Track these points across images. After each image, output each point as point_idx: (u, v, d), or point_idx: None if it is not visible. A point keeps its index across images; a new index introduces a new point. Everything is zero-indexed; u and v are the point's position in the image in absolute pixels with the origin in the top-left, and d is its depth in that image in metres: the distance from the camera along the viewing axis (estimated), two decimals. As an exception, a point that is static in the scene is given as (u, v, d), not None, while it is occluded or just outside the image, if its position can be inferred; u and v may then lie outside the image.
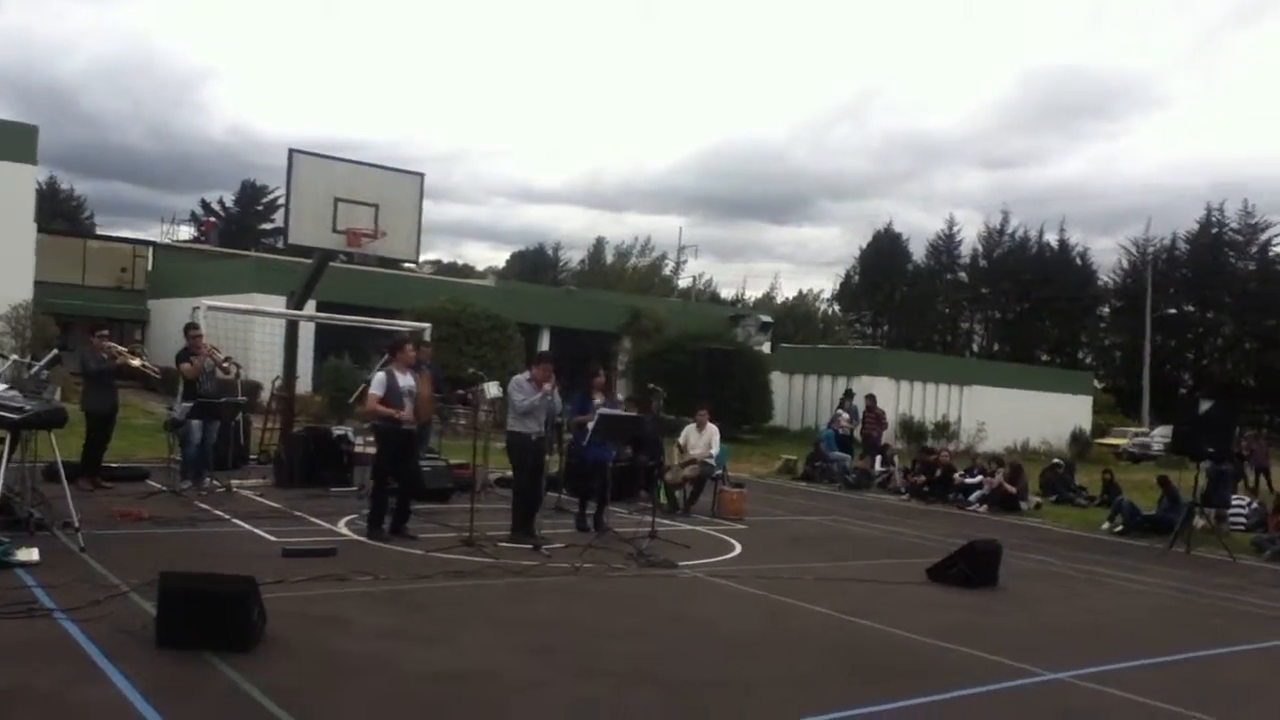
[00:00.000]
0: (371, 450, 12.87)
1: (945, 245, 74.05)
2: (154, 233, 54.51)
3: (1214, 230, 67.02)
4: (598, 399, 11.93)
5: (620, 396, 18.36)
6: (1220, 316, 66.57)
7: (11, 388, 9.11)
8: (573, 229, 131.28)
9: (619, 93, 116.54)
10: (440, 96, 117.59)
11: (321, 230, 13.68)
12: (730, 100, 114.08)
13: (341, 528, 10.50)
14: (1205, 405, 15.34)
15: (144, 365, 12.15)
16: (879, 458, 20.93)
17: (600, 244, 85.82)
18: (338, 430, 14.42)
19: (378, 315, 18.83)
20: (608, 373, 13.39)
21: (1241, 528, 15.48)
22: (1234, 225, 66.98)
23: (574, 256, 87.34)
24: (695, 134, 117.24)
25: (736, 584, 9.13)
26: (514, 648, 6.56)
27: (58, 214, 61.29)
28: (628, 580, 8.99)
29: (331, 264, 15.03)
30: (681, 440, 14.59)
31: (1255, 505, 16.25)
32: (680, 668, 6.38)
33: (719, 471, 14.30)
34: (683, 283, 72.28)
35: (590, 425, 11.00)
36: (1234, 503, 15.95)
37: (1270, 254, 66.32)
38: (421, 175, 14.84)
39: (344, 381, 22.89)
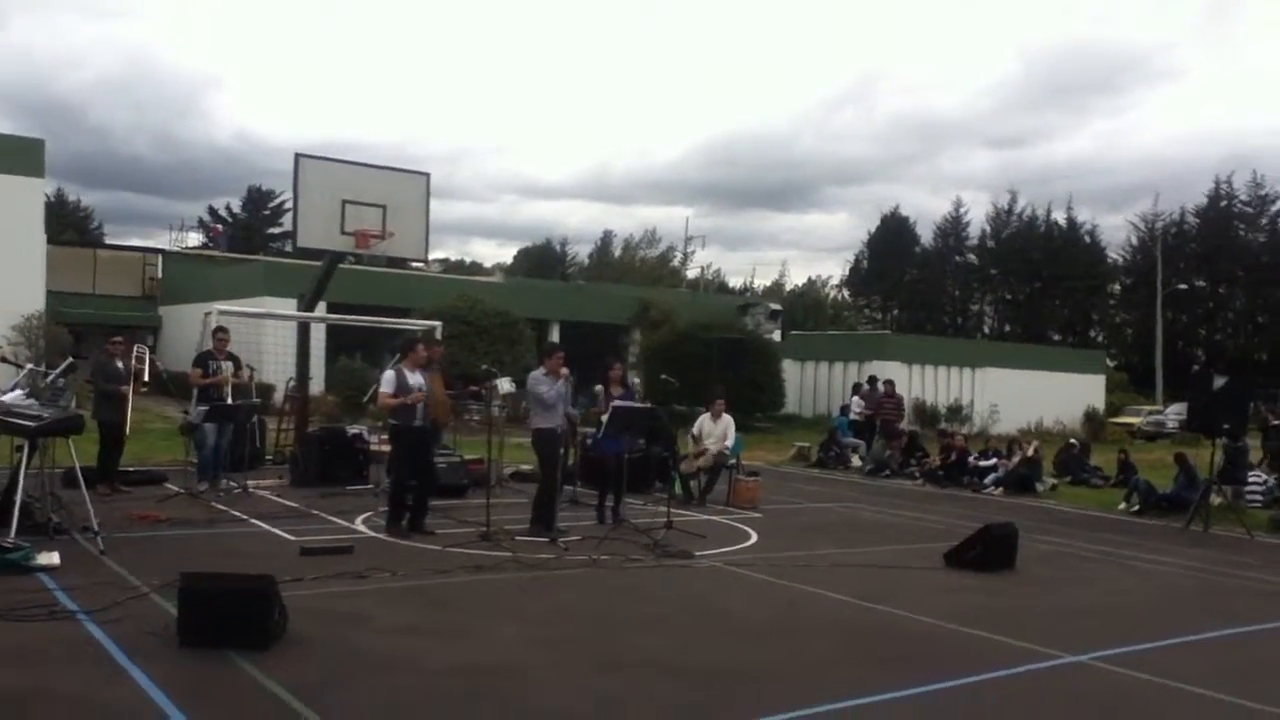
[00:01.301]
0: (386, 448, 12.98)
1: (953, 227, 73.90)
2: (163, 241, 54.82)
3: (1223, 203, 66.48)
4: (616, 391, 11.98)
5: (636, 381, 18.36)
6: (1232, 290, 66.22)
7: (29, 396, 9.17)
8: (580, 223, 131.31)
9: (624, 85, 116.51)
10: (445, 95, 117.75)
11: (330, 233, 13.71)
12: (735, 89, 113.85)
13: (359, 525, 10.54)
14: (1220, 381, 15.28)
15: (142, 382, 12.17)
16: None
17: (608, 237, 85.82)
18: (352, 429, 14.48)
19: (388, 315, 18.89)
20: (624, 366, 13.40)
21: (1259, 504, 15.41)
22: (1243, 197, 66.42)
23: (582, 250, 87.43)
24: (701, 124, 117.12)
25: (753, 572, 9.15)
26: (533, 641, 6.58)
27: (67, 226, 61.43)
28: (645, 571, 9.01)
29: (340, 265, 15.07)
30: (696, 430, 14.59)
31: (1274, 481, 16.16)
32: (699, 657, 6.40)
33: (733, 460, 14.30)
34: (691, 273, 72.23)
35: (604, 418, 11.06)
36: (1250, 479, 15.87)
37: (1280, 226, 65.89)
38: (428, 175, 14.85)
39: (356, 381, 22.97)
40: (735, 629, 7.21)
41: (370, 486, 12.80)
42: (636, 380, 15.03)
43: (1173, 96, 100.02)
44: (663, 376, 14.77)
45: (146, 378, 12.09)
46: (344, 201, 13.70)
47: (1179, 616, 8.42)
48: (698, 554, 9.77)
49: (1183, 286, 58.19)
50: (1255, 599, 9.33)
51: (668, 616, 7.49)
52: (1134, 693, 6.15)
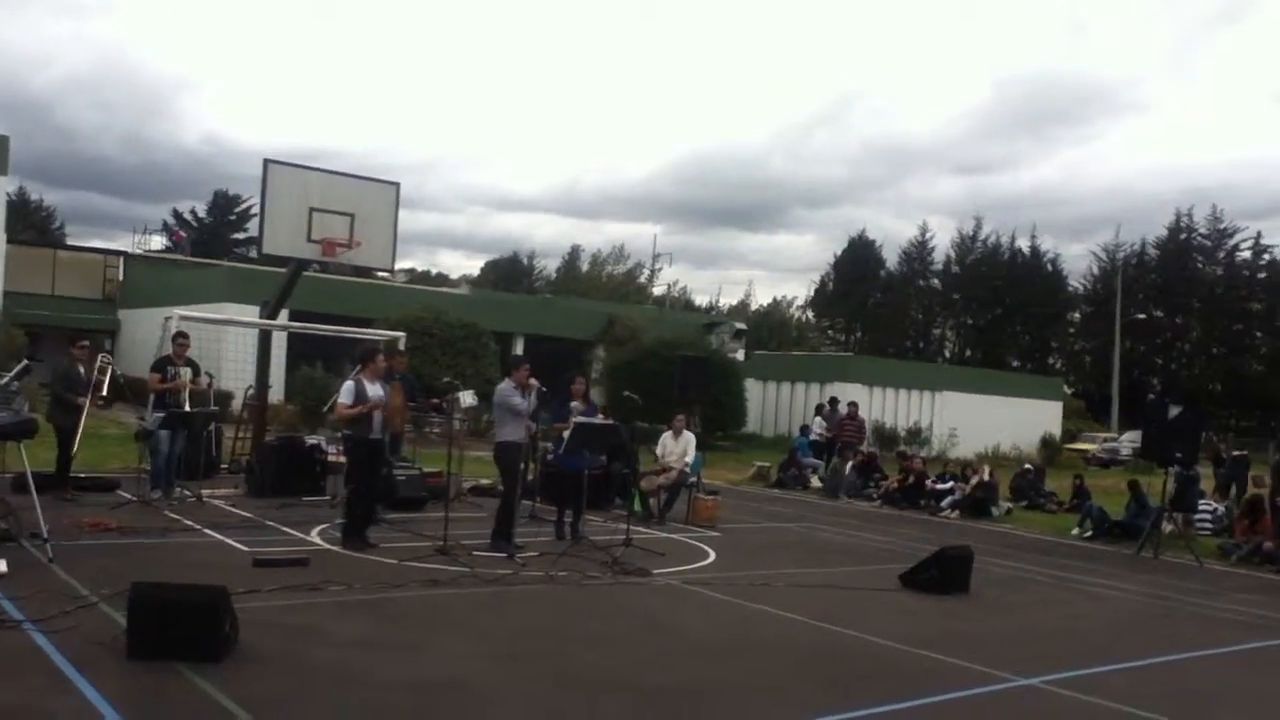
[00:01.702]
0: (344, 459, 12.89)
1: (918, 252, 74.72)
2: (125, 243, 54.23)
3: (1183, 236, 67.92)
4: (578, 405, 11.98)
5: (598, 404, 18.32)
6: (1188, 321, 67.47)
7: (-20, 399, 9.03)
8: (549, 237, 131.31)
9: (598, 101, 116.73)
10: (418, 104, 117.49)
11: (296, 240, 13.63)
12: (708, 109, 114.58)
13: (314, 537, 10.44)
14: (1174, 411, 15.53)
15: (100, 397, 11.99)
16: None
17: (575, 252, 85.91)
18: (311, 439, 14.36)
19: (351, 324, 18.77)
20: (586, 381, 13.43)
21: (1208, 532, 15.67)
22: (1203, 230, 68.02)
23: (549, 265, 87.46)
24: (673, 142, 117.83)
25: (710, 591, 9.16)
26: (488, 656, 6.56)
27: (28, 225, 60.66)
28: (602, 588, 9.00)
29: (305, 273, 14.98)
30: (659, 449, 14.61)
31: (1223, 510, 16.45)
32: (653, 675, 6.41)
33: (693, 479, 14.33)
34: (657, 290, 72.40)
35: (566, 434, 11.07)
36: (1201, 507, 16.13)
37: (1237, 259, 67.40)
38: (397, 184, 14.81)
39: (316, 390, 22.79)
40: (691, 647, 7.21)
41: (327, 498, 12.70)
42: (598, 403, 15.01)
43: (1138, 130, 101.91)
44: (625, 393, 14.77)
45: (105, 390, 11.91)
46: (311, 209, 13.63)
47: (1129, 641, 8.53)
48: (655, 572, 9.77)
49: (1141, 316, 59.20)
50: (1203, 625, 9.48)
51: (624, 634, 7.50)
52: (1082, 716, 6.23)
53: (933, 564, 9.97)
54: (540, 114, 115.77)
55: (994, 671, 6.92)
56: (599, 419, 12.13)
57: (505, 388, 10.73)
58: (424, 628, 7.19)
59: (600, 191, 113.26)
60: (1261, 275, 66.77)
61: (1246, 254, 67.51)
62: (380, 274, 31.61)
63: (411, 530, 10.80)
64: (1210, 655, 8.20)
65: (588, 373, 32.51)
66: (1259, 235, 67.31)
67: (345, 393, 10.13)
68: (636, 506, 13.37)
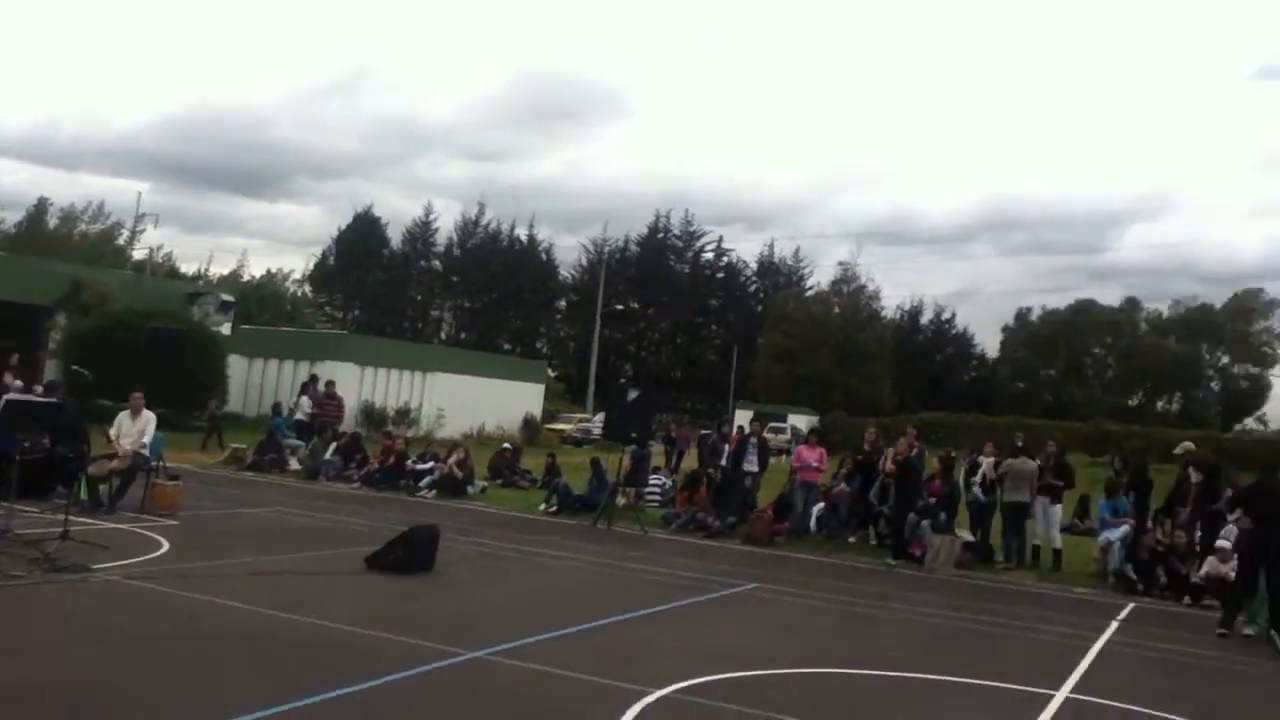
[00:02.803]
0: None
1: (422, 233, 75.71)
2: None
3: (660, 235, 75.92)
4: (11, 380, 10.56)
5: (47, 379, 16.37)
6: (658, 314, 75.22)
7: None
8: (12, 185, 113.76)
9: (83, 36, 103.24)
10: None
11: None
12: (213, 60, 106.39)
13: None
14: (633, 394, 17.17)
15: None
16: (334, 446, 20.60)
17: (43, 204, 75.74)
18: None
19: None
20: (35, 353, 11.86)
21: (657, 503, 17.47)
22: (676, 232, 76.52)
23: (10, 217, 76.20)
24: (168, 93, 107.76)
25: (157, 585, 8.51)
26: None
27: None
28: (29, 589, 8.03)
29: None
30: (113, 430, 13.29)
31: (670, 483, 18.43)
32: (77, 678, 5.86)
33: (154, 463, 13.24)
34: (138, 254, 66.10)
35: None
36: (652, 482, 17.95)
37: (702, 260, 76.61)
38: None
39: None
40: (126, 648, 6.71)
41: None
42: (58, 379, 13.37)
43: (631, 134, 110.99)
44: (74, 367, 13.31)
45: None
46: None
47: (574, 608, 9.24)
48: (95, 567, 8.88)
49: (620, 307, 64.76)
50: (639, 589, 10.58)
51: (48, 638, 6.81)
52: (519, 683, 6.63)
53: (399, 545, 10.10)
54: (12, 42, 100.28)
55: (446, 647, 7.15)
56: (39, 395, 10.81)
57: None
58: None
59: (80, 139, 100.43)
60: (720, 275, 76.41)
61: (710, 255, 76.98)
62: None
63: None
64: (641, 615, 9.14)
65: (45, 342, 28.86)
66: (721, 239, 77.35)
67: None
68: (83, 495, 12.09)
